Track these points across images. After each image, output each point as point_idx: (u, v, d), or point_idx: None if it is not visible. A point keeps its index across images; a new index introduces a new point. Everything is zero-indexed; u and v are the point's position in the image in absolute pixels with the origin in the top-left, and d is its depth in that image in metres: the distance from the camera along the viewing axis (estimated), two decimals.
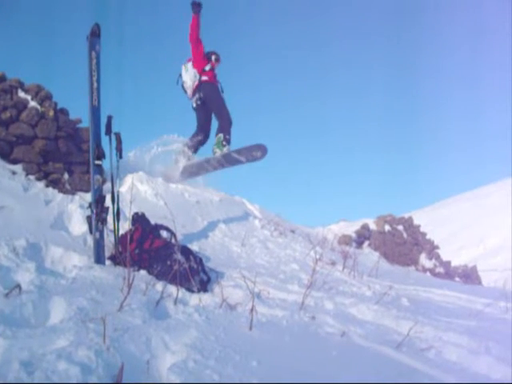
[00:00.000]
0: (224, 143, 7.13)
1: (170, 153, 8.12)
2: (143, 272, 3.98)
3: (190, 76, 7.44)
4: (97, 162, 4.04)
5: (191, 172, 7.79)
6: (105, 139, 4.05)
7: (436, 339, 3.36)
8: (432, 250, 13.50)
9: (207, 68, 7.42)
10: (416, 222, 13.75)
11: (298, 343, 2.97)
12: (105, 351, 2.23)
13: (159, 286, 3.62)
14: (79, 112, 6.30)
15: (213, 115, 7.58)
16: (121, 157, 4.05)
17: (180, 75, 7.63)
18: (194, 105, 7.55)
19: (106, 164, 4.14)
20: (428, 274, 12.13)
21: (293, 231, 8.99)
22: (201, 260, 4.29)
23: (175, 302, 3.36)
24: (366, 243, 11.72)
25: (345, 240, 11.08)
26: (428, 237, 13.78)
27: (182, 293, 3.66)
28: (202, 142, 7.77)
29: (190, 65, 7.48)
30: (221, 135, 7.20)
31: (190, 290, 3.80)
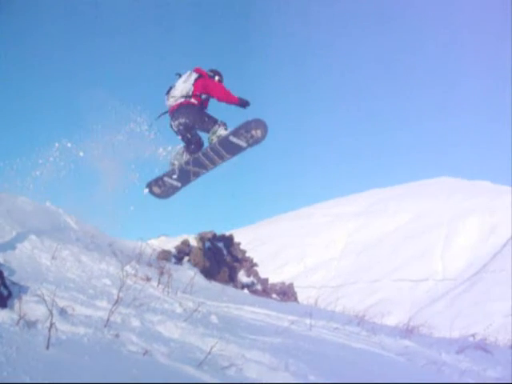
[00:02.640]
0: (218, 127, 6.83)
1: None
2: None
3: (185, 88, 6.85)
4: None
5: (189, 172, 7.20)
6: None
7: (239, 356, 3.48)
8: (251, 267, 14.05)
9: (204, 96, 6.98)
10: (239, 239, 14.21)
11: (97, 362, 2.89)
12: None
13: None
14: None
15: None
16: None
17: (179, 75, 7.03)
18: (176, 129, 6.95)
19: None
20: (246, 290, 12.53)
21: (110, 245, 8.79)
22: (1, 273, 3.95)
23: None
24: (186, 259, 11.81)
25: (164, 255, 11.05)
26: (251, 254, 14.32)
27: None
28: (197, 150, 7.18)
29: (193, 77, 6.90)
30: (215, 126, 6.88)
31: None
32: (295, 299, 14.95)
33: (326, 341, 5.17)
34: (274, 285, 15.05)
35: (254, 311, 5.93)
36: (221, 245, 13.47)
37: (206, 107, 6.99)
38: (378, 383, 3.76)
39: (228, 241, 13.82)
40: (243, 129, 6.63)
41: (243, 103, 6.85)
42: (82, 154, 7.54)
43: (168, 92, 6.94)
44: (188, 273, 9.29)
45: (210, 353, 3.24)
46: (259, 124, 6.59)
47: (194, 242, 12.55)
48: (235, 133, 6.67)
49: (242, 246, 14.29)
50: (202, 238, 12.76)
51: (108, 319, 3.72)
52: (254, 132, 6.56)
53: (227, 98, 6.81)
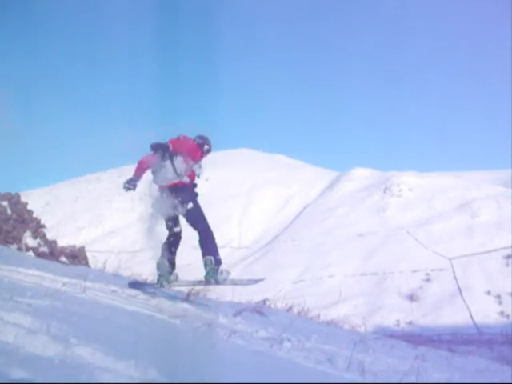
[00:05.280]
0: (216, 267, 6.36)
1: None
2: None
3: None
4: None
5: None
6: None
7: None
8: (38, 228, 13.37)
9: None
10: (34, 201, 13.40)
11: None
12: None
13: None
14: None
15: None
16: None
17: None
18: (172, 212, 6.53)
19: None
20: (31, 253, 11.96)
21: None
22: None
23: None
24: None
25: None
26: (46, 217, 13.60)
27: None
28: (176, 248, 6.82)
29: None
30: (210, 258, 6.40)
31: None
32: (86, 263, 14.62)
33: (100, 303, 5.14)
34: (63, 248, 14.53)
35: (27, 273, 5.66)
36: (5, 203, 12.58)
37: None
38: None
39: (14, 200, 12.95)
40: (240, 281, 6.78)
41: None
42: None
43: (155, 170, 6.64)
44: None
45: None
46: (256, 281, 6.62)
47: None
48: (233, 281, 6.65)
49: (37, 208, 13.50)
50: None
51: None
52: (247, 282, 6.74)
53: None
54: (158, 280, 6.79)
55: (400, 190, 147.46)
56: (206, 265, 6.39)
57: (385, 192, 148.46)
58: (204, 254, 6.48)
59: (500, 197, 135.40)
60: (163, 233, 6.88)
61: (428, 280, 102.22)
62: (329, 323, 10.46)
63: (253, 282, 6.54)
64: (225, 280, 6.44)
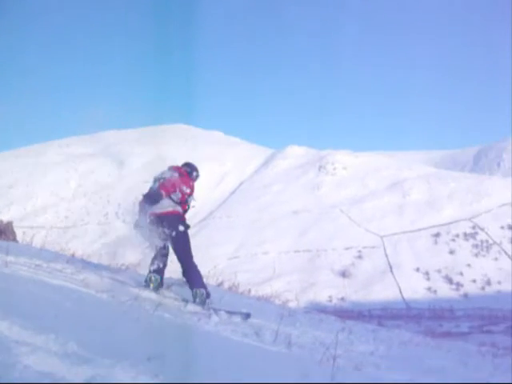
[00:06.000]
0: (208, 300, 6.25)
1: None
2: None
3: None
4: None
5: None
6: None
7: None
8: None
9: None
10: None
11: None
12: None
13: None
14: None
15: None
16: None
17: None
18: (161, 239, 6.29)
19: None
20: None
21: None
22: None
23: None
24: None
25: None
26: None
27: None
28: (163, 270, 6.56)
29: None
30: (201, 291, 6.28)
31: None
32: (14, 239, 14.13)
33: (22, 277, 4.95)
34: None
35: None
36: None
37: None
38: None
39: None
40: (231, 313, 6.17)
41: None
42: None
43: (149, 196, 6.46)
44: None
45: None
46: (246, 315, 6.19)
47: None
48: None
49: None
50: None
51: None
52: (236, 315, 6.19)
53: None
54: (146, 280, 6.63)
55: (334, 169, 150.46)
56: (196, 296, 6.30)
57: (319, 170, 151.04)
58: (193, 286, 6.38)
59: (431, 177, 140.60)
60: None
61: (360, 257, 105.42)
62: (259, 298, 10.54)
63: (244, 315, 6.45)
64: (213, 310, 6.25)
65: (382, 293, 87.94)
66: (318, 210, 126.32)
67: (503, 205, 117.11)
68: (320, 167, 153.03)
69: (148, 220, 6.28)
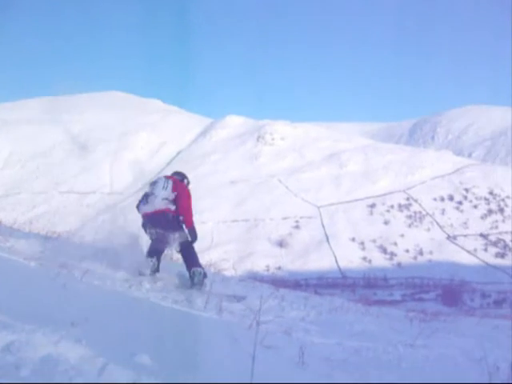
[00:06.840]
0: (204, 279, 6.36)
1: None
2: None
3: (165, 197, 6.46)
4: None
5: None
6: None
7: None
8: None
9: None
10: None
11: None
12: None
13: None
14: None
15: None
16: None
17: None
18: (154, 237, 6.48)
19: None
20: None
21: None
22: None
23: None
24: None
25: None
26: None
27: None
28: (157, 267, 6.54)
29: (170, 186, 6.57)
30: (200, 270, 6.35)
31: None
32: None
33: None
34: None
35: None
36: None
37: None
38: None
39: None
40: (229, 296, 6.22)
41: (192, 235, 6.57)
42: None
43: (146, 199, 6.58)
44: None
45: None
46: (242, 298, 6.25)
47: None
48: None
49: None
50: None
51: None
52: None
53: (185, 216, 6.56)
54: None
55: (273, 139, 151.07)
56: (194, 275, 6.32)
57: (258, 140, 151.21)
58: (191, 266, 6.43)
59: (367, 148, 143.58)
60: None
61: (297, 227, 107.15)
62: None
63: (238, 298, 6.47)
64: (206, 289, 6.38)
65: (319, 262, 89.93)
66: (255, 180, 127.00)
67: (436, 177, 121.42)
68: (258, 137, 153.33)
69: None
